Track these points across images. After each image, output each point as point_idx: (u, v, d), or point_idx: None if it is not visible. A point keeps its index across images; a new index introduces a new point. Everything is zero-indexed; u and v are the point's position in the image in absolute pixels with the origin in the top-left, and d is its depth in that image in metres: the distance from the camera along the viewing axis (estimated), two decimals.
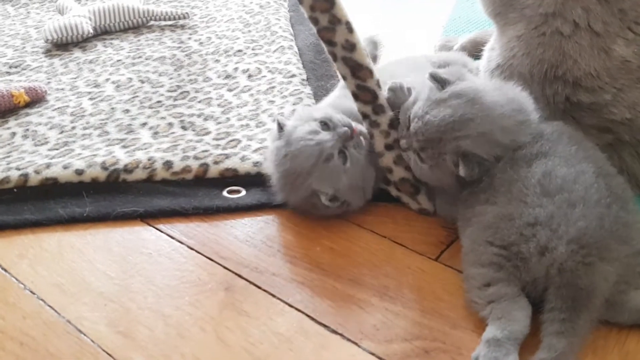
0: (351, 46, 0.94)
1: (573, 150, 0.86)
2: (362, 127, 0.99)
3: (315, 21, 0.94)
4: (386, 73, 1.05)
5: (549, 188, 0.81)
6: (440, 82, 0.90)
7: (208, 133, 1.22)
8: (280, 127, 0.98)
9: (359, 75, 0.96)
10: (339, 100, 1.07)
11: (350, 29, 0.94)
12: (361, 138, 0.98)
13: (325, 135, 0.95)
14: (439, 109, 0.88)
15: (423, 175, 0.94)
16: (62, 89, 1.43)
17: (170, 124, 1.26)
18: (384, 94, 0.97)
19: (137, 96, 1.37)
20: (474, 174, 0.87)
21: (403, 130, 0.94)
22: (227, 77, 1.43)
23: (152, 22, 1.74)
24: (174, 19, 1.73)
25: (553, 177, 0.81)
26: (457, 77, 0.91)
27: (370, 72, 0.96)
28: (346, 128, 0.95)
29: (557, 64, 0.94)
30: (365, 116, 0.98)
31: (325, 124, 0.96)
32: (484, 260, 0.81)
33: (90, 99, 1.37)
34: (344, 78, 0.97)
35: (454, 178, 0.89)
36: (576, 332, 0.73)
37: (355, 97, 0.97)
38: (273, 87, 1.36)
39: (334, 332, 0.81)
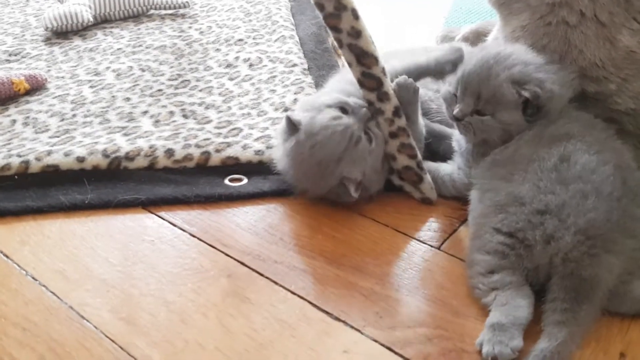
0: (357, 33, 0.94)
1: (602, 137, 0.86)
2: None
3: (321, 7, 0.93)
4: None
5: (566, 175, 0.80)
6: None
7: (209, 121, 1.22)
8: (292, 124, 0.96)
9: (365, 63, 0.95)
10: (340, 85, 1.06)
11: (356, 16, 0.93)
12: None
13: (349, 119, 0.95)
14: (473, 60, 0.93)
15: (488, 130, 0.92)
16: (63, 77, 1.42)
17: (172, 113, 1.26)
18: (389, 81, 0.97)
19: (137, 84, 1.37)
20: (537, 92, 0.88)
21: (451, 105, 0.95)
22: (228, 66, 1.43)
23: (152, 11, 1.73)
24: (174, 7, 1.72)
25: (572, 163, 0.81)
26: None
27: (375, 60, 0.95)
28: (365, 109, 0.96)
29: (563, 54, 0.94)
30: (370, 103, 0.98)
31: (343, 109, 0.96)
32: (489, 248, 0.81)
33: (91, 87, 1.37)
34: (350, 65, 0.96)
35: (519, 114, 0.90)
36: (577, 322, 0.73)
37: (361, 84, 0.97)
38: (274, 77, 1.36)
39: (337, 319, 0.82)
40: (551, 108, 0.90)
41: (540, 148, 0.85)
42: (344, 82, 1.06)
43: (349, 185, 0.94)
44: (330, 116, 0.95)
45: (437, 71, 1.02)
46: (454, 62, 0.99)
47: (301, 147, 0.95)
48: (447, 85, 0.98)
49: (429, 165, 1.01)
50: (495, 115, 0.91)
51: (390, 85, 0.97)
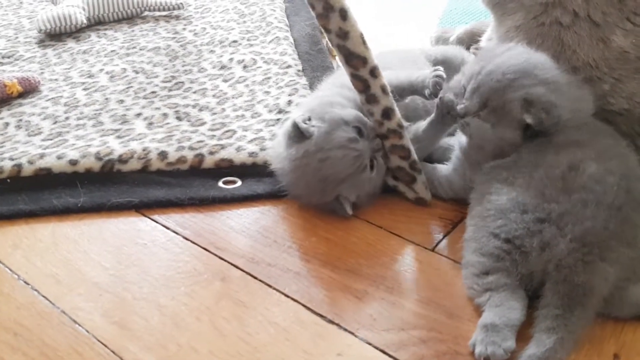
0: (344, 34, 0.93)
1: (609, 143, 0.85)
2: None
3: (312, 7, 0.93)
4: (378, 63, 1.03)
5: (572, 184, 0.79)
6: None
7: (203, 123, 1.21)
8: (301, 132, 0.94)
9: (352, 64, 0.95)
10: (344, 77, 1.02)
11: (344, 17, 0.92)
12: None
13: (363, 145, 0.95)
14: (497, 60, 0.88)
15: (484, 139, 0.89)
16: (56, 79, 1.41)
17: (165, 115, 1.25)
18: (380, 82, 0.96)
19: (131, 86, 1.36)
20: (542, 119, 0.83)
21: (458, 98, 0.91)
22: (222, 67, 1.42)
23: (146, 13, 1.72)
24: (168, 9, 1.72)
25: (580, 172, 0.80)
26: None
27: (362, 61, 0.94)
28: (378, 139, 0.97)
29: (556, 55, 0.94)
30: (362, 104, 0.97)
31: (360, 130, 0.95)
32: (485, 251, 0.80)
33: (84, 89, 1.36)
34: (342, 65, 0.97)
35: (518, 133, 0.86)
36: (568, 328, 0.72)
37: (352, 84, 0.97)
38: (269, 78, 1.36)
39: (331, 322, 0.81)
40: (552, 130, 0.86)
41: (547, 154, 0.83)
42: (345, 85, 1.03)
43: (344, 203, 0.96)
44: (347, 137, 0.94)
45: (420, 93, 1.02)
46: (435, 86, 0.97)
47: (309, 158, 0.94)
48: (461, 74, 0.93)
49: (425, 166, 1.01)
50: (496, 127, 0.88)
51: (380, 87, 0.95)
